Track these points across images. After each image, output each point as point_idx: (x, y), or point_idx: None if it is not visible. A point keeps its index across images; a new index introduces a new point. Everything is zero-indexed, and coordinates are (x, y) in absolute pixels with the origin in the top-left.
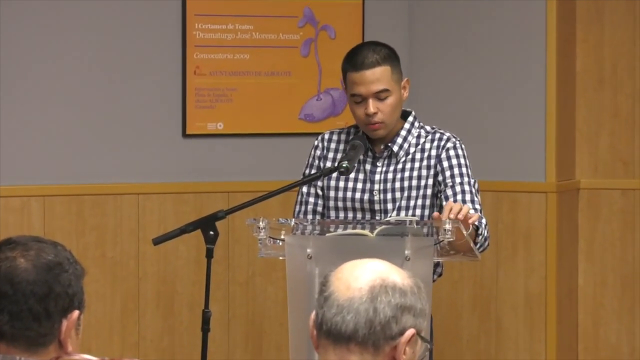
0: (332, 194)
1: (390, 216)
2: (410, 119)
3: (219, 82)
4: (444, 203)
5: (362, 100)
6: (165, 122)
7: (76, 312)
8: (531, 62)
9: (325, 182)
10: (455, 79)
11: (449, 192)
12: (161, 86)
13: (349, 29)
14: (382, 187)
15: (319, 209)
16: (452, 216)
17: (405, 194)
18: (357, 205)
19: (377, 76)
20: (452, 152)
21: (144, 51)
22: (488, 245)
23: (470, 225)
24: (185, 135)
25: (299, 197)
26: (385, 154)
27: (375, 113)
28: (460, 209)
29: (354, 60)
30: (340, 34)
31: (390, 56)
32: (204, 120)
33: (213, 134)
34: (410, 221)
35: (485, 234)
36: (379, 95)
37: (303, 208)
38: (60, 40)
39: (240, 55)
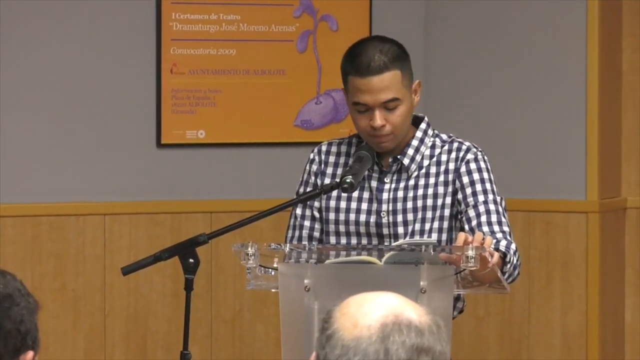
0: (331, 216)
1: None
2: (423, 126)
3: (200, 82)
4: (466, 226)
5: (367, 110)
6: (137, 129)
7: (30, 353)
8: (569, 58)
9: (324, 202)
10: (478, 79)
11: (471, 212)
12: (132, 87)
13: (354, 18)
14: (391, 208)
15: (316, 234)
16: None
17: (419, 215)
18: (362, 229)
19: (385, 83)
20: (473, 165)
21: (112, 46)
22: (518, 274)
23: (496, 252)
24: (160, 145)
25: (292, 220)
26: (394, 168)
27: (382, 126)
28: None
29: (357, 62)
30: (344, 25)
31: (399, 56)
32: (182, 128)
33: (193, 144)
34: (427, 245)
35: (515, 261)
36: (387, 105)
37: (297, 233)
38: (10, 41)
39: (225, 51)
